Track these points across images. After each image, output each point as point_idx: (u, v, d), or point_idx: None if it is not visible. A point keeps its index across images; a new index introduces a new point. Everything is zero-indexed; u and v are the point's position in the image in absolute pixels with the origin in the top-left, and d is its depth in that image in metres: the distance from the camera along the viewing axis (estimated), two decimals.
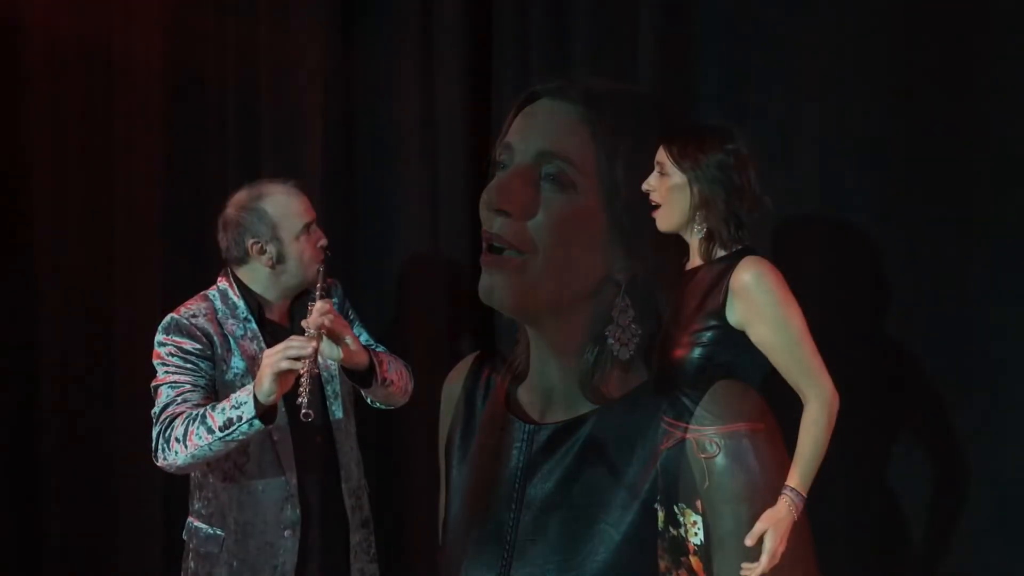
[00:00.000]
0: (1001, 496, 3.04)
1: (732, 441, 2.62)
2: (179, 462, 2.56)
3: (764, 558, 2.57)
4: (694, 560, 2.69)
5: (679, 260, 2.80)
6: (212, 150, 3.45)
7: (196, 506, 2.79)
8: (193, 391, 2.61)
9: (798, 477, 2.57)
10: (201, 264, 3.02)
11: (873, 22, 3.08)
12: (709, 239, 2.66)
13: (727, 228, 2.64)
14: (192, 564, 2.80)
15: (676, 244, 2.78)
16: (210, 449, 2.51)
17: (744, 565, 2.58)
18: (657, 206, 2.72)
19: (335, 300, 2.81)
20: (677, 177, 2.67)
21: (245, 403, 2.46)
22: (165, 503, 3.42)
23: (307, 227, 2.77)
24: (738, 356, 2.62)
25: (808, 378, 2.58)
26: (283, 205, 2.76)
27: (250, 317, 2.75)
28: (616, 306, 3.05)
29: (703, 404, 2.63)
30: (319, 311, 2.53)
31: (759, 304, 2.58)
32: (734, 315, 2.60)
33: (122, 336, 3.46)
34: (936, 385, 3.09)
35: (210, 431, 2.49)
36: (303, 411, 2.39)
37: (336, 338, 2.57)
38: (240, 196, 2.79)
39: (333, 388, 2.82)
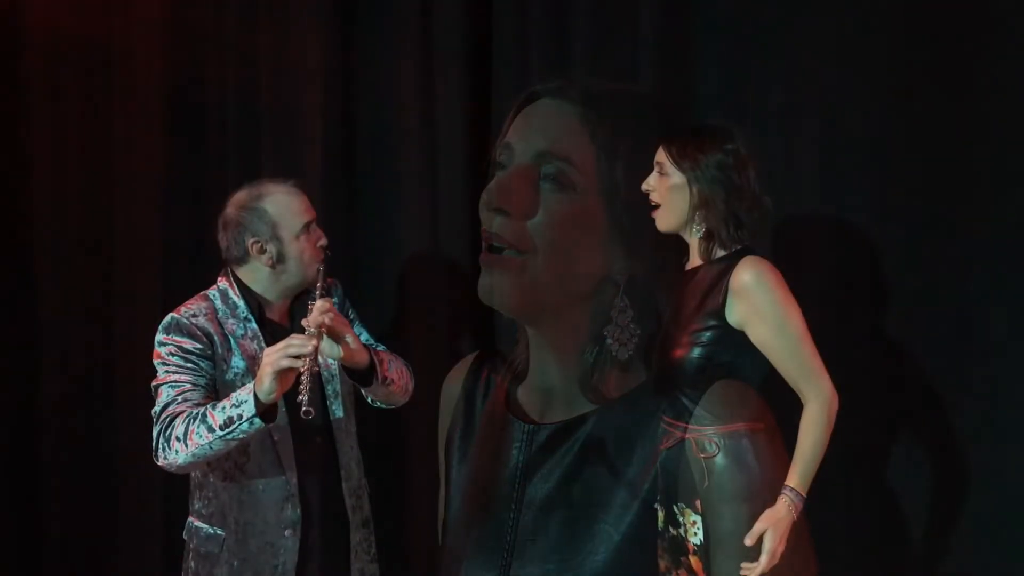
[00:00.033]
0: (1001, 496, 3.05)
1: (731, 441, 2.63)
2: (180, 461, 2.56)
3: (763, 558, 2.57)
4: (694, 560, 2.69)
5: (679, 260, 2.80)
6: (212, 150, 3.45)
7: (196, 506, 2.80)
8: (194, 390, 2.61)
9: (797, 477, 2.58)
10: (201, 264, 3.02)
11: (873, 22, 3.08)
12: (708, 239, 2.66)
13: (726, 228, 2.64)
14: (193, 564, 2.80)
15: (675, 244, 2.79)
16: (211, 448, 2.51)
17: (743, 565, 2.59)
18: (656, 206, 2.74)
19: (335, 300, 2.81)
20: (676, 177, 2.68)
21: (246, 402, 2.47)
22: (165, 503, 3.42)
23: (307, 226, 2.77)
24: (737, 356, 2.62)
25: (808, 378, 2.59)
26: (283, 204, 2.77)
27: (250, 317, 2.75)
28: (615, 306, 3.06)
29: (702, 404, 2.64)
30: (319, 309, 2.53)
31: (759, 304, 2.58)
32: (733, 315, 2.60)
33: (122, 336, 3.46)
34: (936, 385, 3.09)
35: (211, 430, 2.49)
36: (304, 409, 2.39)
37: (336, 336, 2.58)
38: (240, 195, 2.79)
39: (333, 387, 2.82)
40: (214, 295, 2.77)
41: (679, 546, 2.84)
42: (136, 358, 3.24)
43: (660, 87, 3.23)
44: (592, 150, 3.12)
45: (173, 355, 2.66)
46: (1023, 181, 3.00)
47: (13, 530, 3.51)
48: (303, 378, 2.42)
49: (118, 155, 3.46)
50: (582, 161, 3.16)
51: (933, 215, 3.07)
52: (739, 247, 2.66)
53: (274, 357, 2.44)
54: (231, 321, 2.73)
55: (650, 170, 2.78)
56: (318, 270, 2.74)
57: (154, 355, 2.69)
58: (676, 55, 3.24)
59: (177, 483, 3.00)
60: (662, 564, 2.88)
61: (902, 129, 3.08)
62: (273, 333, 2.71)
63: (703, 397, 2.66)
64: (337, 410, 2.82)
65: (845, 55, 3.10)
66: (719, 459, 2.67)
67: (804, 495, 2.58)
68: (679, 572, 2.82)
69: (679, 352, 2.63)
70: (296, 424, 2.72)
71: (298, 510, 2.72)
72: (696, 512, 2.73)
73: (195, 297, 2.78)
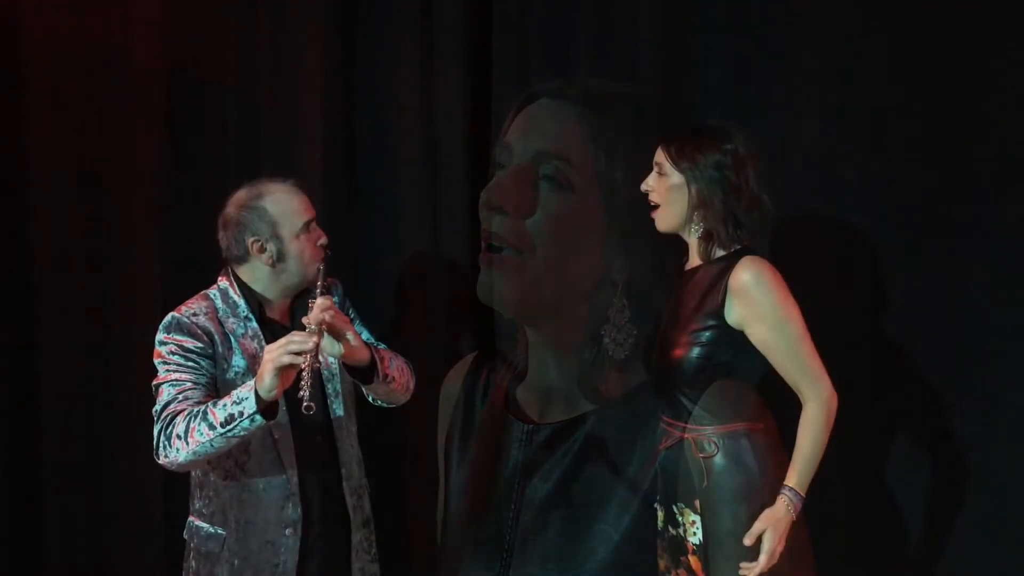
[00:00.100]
0: (1000, 496, 3.05)
1: (730, 441, 2.64)
2: (180, 459, 2.56)
3: (762, 558, 2.58)
4: (693, 559, 2.70)
5: (678, 260, 2.81)
6: (212, 150, 3.46)
7: (197, 505, 2.80)
8: (194, 389, 2.62)
9: (797, 477, 2.58)
10: (201, 264, 3.02)
11: (873, 22, 3.09)
12: (707, 239, 2.67)
13: (725, 228, 2.64)
14: (193, 563, 2.80)
15: (675, 244, 2.79)
16: (211, 445, 2.51)
17: (743, 564, 2.59)
18: (655, 206, 2.74)
19: (335, 299, 2.81)
20: (675, 177, 2.68)
21: (246, 399, 2.47)
22: (166, 502, 3.42)
23: (307, 225, 2.77)
24: (737, 356, 2.62)
25: (807, 378, 2.59)
26: (283, 203, 2.77)
27: (251, 316, 2.75)
28: (613, 305, 3.06)
29: (701, 404, 2.65)
30: (320, 307, 2.53)
31: (758, 304, 2.58)
32: (733, 315, 2.60)
33: (122, 336, 3.45)
34: (936, 385, 3.09)
35: (211, 427, 2.49)
36: (305, 404, 2.39)
37: (337, 334, 2.58)
38: (240, 195, 2.79)
39: (334, 386, 2.83)
40: (214, 294, 2.78)
41: (678, 546, 2.84)
42: (136, 358, 3.24)
43: (660, 87, 3.23)
44: (591, 150, 3.12)
45: (174, 354, 2.66)
46: (1023, 181, 3.00)
47: (13, 530, 3.50)
48: (304, 375, 2.42)
49: (118, 155, 3.46)
50: (581, 161, 3.16)
51: (933, 215, 3.07)
52: (738, 247, 2.66)
53: (275, 354, 2.44)
54: (231, 320, 2.73)
55: (649, 170, 2.79)
56: (318, 269, 2.74)
57: (155, 354, 2.69)
58: (676, 55, 3.24)
59: (178, 482, 3.00)
60: (661, 564, 2.89)
61: (902, 129, 3.08)
62: (273, 332, 2.71)
63: (702, 397, 2.67)
64: (338, 409, 2.82)
65: (845, 55, 3.11)
66: (718, 459, 2.68)
67: (803, 495, 2.59)
68: (678, 572, 2.83)
69: (678, 352, 2.63)
70: (297, 423, 2.72)
71: (299, 509, 2.72)
72: (695, 512, 2.74)
73: (195, 296, 2.79)
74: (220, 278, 2.81)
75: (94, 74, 3.44)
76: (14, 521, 3.49)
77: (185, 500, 2.86)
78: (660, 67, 3.24)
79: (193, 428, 2.51)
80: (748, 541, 2.57)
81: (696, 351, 2.62)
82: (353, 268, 3.37)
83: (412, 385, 2.91)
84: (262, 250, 2.75)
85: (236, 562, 2.73)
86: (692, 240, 2.71)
